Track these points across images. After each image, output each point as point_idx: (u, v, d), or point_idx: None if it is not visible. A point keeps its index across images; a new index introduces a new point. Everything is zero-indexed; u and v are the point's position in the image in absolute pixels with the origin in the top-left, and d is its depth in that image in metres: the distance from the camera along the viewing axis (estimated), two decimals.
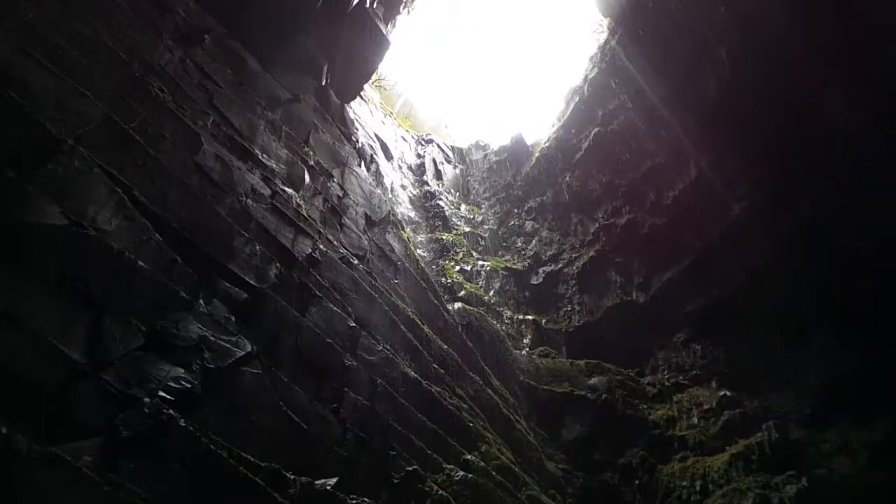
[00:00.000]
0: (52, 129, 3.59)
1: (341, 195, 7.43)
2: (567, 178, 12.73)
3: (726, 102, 8.83)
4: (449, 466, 5.57)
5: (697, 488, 7.60)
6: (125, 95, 4.56)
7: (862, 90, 7.50)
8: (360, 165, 8.84)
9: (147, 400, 3.25)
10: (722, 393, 8.71)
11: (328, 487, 4.03)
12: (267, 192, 5.61)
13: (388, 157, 12.00)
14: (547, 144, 13.87)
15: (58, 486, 2.63)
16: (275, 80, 7.54)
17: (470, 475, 5.66)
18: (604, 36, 11.65)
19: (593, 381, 9.34)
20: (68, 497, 2.64)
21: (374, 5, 9.61)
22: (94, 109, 4.09)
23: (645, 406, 9.11)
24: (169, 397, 3.41)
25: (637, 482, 8.03)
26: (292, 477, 3.90)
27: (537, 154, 14.28)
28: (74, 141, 3.69)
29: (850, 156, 7.71)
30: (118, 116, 4.27)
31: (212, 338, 3.95)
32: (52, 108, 3.77)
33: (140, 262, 3.66)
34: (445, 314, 8.30)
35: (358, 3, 8.99)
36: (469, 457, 5.98)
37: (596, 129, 11.89)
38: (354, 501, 4.11)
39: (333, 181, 7.44)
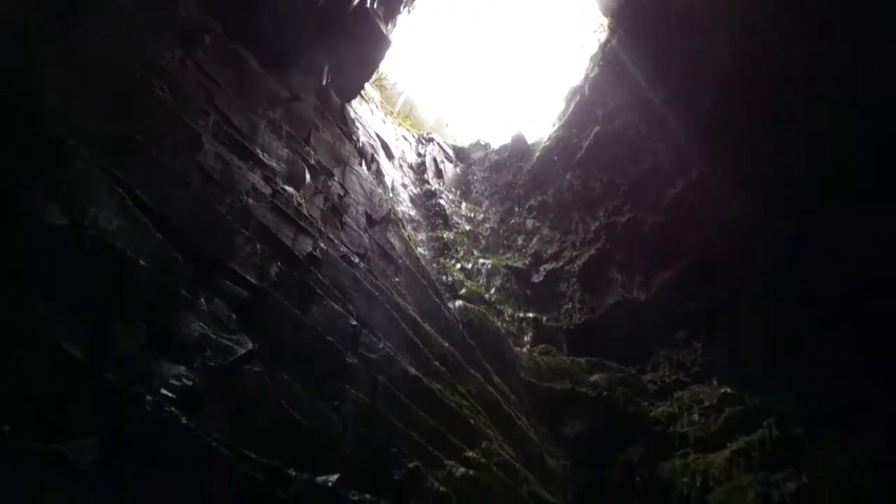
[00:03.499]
0: (53, 129, 3.61)
1: (342, 194, 7.45)
2: (568, 177, 12.73)
3: (727, 105, 8.85)
4: (450, 463, 5.59)
5: (698, 485, 7.61)
6: (126, 95, 4.58)
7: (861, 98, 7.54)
8: (360, 164, 8.87)
9: (149, 398, 3.27)
10: (723, 390, 8.72)
11: (329, 484, 4.06)
12: (268, 191, 5.64)
13: (389, 155, 12.02)
14: (548, 143, 13.88)
15: (61, 484, 2.66)
16: (275, 79, 7.56)
17: (471, 472, 5.68)
18: (604, 35, 11.67)
19: (594, 378, 9.36)
20: (71, 495, 2.67)
21: (375, 5, 9.63)
22: (95, 110, 4.11)
23: (646, 403, 9.12)
24: (170, 395, 3.44)
25: (638, 478, 8.05)
26: (293, 473, 3.92)
27: (538, 153, 14.28)
28: (76, 141, 3.72)
29: (852, 159, 7.75)
30: (120, 116, 4.30)
31: (213, 336, 3.97)
32: (54, 108, 3.79)
33: (141, 262, 3.69)
34: (446, 312, 8.32)
35: (358, 3, 9.00)
36: (470, 454, 6.00)
37: (597, 129, 11.90)
38: (356, 498, 4.14)
39: (334, 180, 7.46)
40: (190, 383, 3.63)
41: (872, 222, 7.68)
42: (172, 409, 3.35)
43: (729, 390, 8.68)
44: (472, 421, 6.53)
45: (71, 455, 2.73)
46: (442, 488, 5.12)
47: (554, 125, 13.84)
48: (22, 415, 2.70)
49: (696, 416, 8.66)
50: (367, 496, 4.25)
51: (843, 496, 6.77)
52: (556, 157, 13.38)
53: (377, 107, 13.77)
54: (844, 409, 7.61)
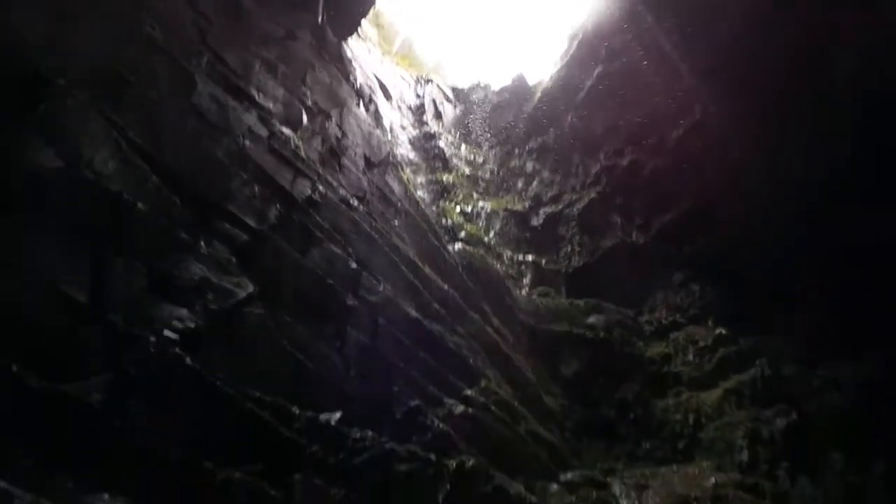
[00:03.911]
0: (43, 69, 3.52)
1: (340, 136, 7.35)
2: (569, 119, 12.54)
3: (739, 47, 8.61)
4: (450, 402, 5.73)
5: (691, 422, 7.84)
6: (116, 32, 4.45)
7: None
8: (358, 105, 8.71)
9: (152, 339, 3.32)
10: (718, 331, 8.87)
11: (332, 421, 4.17)
12: (264, 132, 5.56)
13: (388, 97, 11.79)
14: (549, 84, 13.60)
15: (69, 422, 2.73)
16: (269, 16, 7.33)
17: (470, 410, 5.83)
18: None
19: (592, 319, 9.49)
20: (79, 434, 2.74)
21: None
22: (86, 49, 4.00)
23: (642, 344, 9.29)
24: (174, 337, 3.49)
25: (632, 416, 8.28)
26: (297, 411, 4.03)
27: (539, 94, 14.01)
28: (67, 82, 3.63)
29: (861, 111, 7.63)
30: (111, 56, 4.19)
31: (213, 279, 4.00)
32: (44, 48, 3.68)
33: (139, 205, 3.67)
34: (446, 255, 8.35)
35: None
36: (469, 393, 6.15)
37: (600, 69, 11.63)
38: (358, 435, 4.26)
39: (332, 122, 7.34)
40: (192, 325, 3.68)
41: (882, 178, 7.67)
42: (176, 350, 3.40)
43: (724, 331, 8.82)
44: (471, 361, 6.65)
45: (77, 394, 2.79)
46: (441, 425, 5.26)
47: (556, 66, 13.52)
48: (27, 355, 2.74)
49: (690, 357, 8.83)
50: (369, 433, 4.37)
51: (832, 432, 6.99)
52: (557, 99, 13.13)
53: (375, 46, 13.41)
54: (836, 348, 7.77)
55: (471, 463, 4.77)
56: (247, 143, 5.23)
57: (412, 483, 4.33)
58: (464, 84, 17.54)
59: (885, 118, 7.50)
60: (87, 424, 2.78)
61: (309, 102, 6.98)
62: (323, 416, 4.17)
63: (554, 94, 13.29)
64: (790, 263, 8.57)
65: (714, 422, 7.64)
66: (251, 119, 5.51)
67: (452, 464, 4.62)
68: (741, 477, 6.62)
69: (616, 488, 6.48)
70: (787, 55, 8.15)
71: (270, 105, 6.10)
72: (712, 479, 6.51)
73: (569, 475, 6.61)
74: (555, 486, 6.18)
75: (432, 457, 4.62)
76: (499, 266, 10.08)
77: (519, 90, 15.53)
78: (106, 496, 2.63)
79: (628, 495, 6.29)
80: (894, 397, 7.02)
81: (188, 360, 3.44)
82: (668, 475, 6.88)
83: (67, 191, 3.31)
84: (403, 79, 14.24)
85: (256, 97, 5.90)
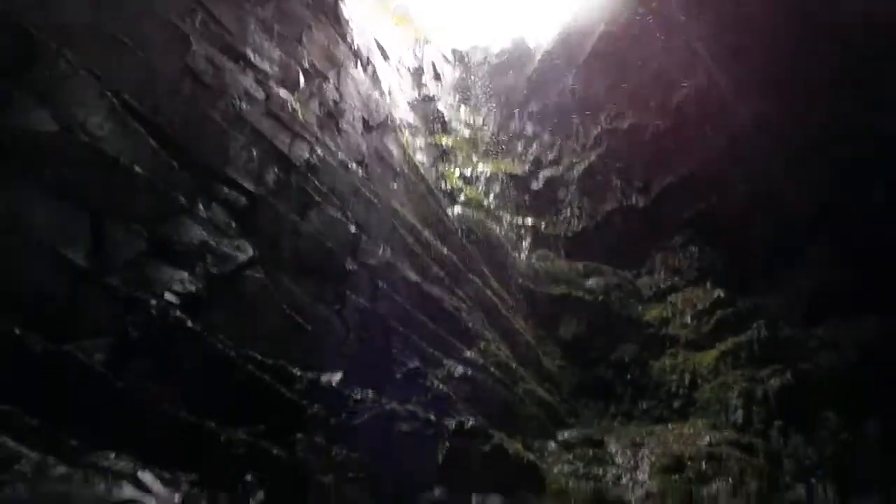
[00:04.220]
0: (34, 32, 3.45)
1: (338, 99, 7.25)
2: (570, 81, 12.36)
3: (746, 8, 8.45)
4: (449, 363, 5.81)
5: (686, 382, 7.95)
6: None
7: None
8: (356, 67, 8.57)
9: (153, 302, 3.35)
10: (716, 294, 8.91)
11: (333, 383, 4.24)
12: (261, 95, 5.49)
13: (386, 58, 11.59)
14: (550, 47, 13.37)
15: (73, 382, 2.77)
16: None
17: (469, 371, 5.92)
18: None
19: (590, 282, 9.53)
20: (83, 395, 2.79)
21: None
22: (77, 10, 3.92)
23: (640, 307, 9.35)
24: (174, 300, 3.52)
25: (629, 377, 8.39)
26: (299, 373, 4.09)
27: (540, 56, 13.79)
28: (58, 44, 3.56)
29: (868, 66, 7.52)
30: (102, 16, 4.10)
31: (213, 243, 4.01)
32: (34, 7, 3.61)
33: (136, 168, 3.65)
34: (445, 219, 8.35)
35: None
36: (469, 354, 6.23)
37: (602, 29, 11.41)
38: (358, 395, 4.33)
39: (329, 84, 7.24)
40: (193, 289, 3.71)
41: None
42: (177, 313, 3.44)
43: (722, 294, 8.87)
44: (470, 323, 6.72)
45: (81, 355, 2.83)
46: (441, 386, 5.35)
47: (557, 27, 13.27)
48: (29, 318, 2.76)
49: (688, 319, 8.90)
50: (370, 394, 4.45)
51: (826, 392, 7.09)
52: (558, 60, 12.92)
53: (372, 6, 13.12)
54: (834, 310, 7.82)
55: (470, 423, 4.88)
56: (244, 105, 5.17)
57: (412, 442, 4.43)
58: (463, 46, 17.22)
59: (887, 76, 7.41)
60: (91, 385, 2.83)
61: (306, 64, 6.87)
62: (324, 378, 4.24)
63: (555, 55, 13.08)
64: (792, 224, 8.58)
65: (709, 382, 7.75)
66: (247, 81, 5.44)
67: (452, 424, 4.73)
68: (735, 436, 6.74)
69: (612, 447, 6.62)
70: (794, 17, 8.00)
71: (267, 66, 6.01)
72: (706, 438, 6.64)
73: (566, 434, 6.75)
74: (552, 445, 6.32)
75: (432, 417, 4.71)
76: (498, 230, 10.08)
77: (519, 52, 15.27)
78: (111, 455, 2.70)
79: (624, 454, 6.43)
80: (892, 357, 7.11)
81: (189, 322, 3.48)
82: (663, 434, 7.01)
83: (64, 154, 3.29)
84: (402, 40, 13.98)
85: (252, 58, 5.80)
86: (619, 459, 6.31)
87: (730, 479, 5.87)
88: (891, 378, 6.99)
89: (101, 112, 3.61)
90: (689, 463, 6.14)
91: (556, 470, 5.70)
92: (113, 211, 3.43)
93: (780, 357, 7.57)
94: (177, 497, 2.77)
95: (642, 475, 6.00)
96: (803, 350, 7.65)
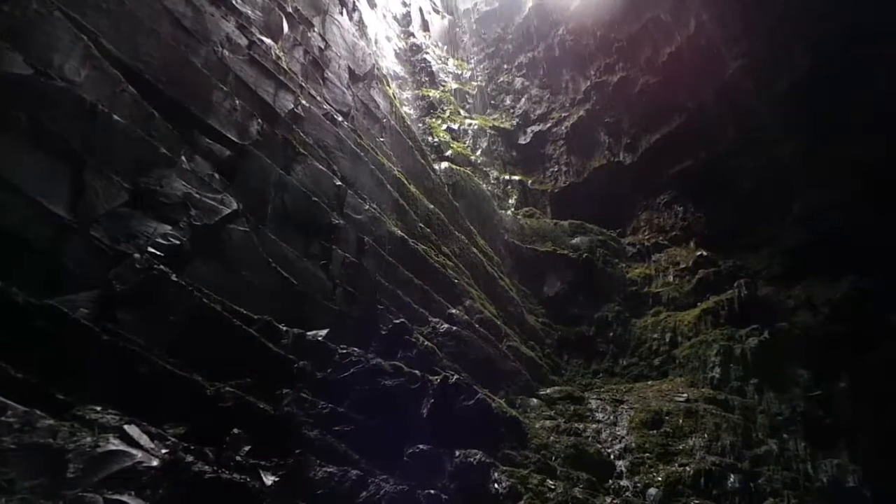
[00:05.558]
0: None
1: (323, 47, 7.03)
2: (560, 32, 12.12)
3: None
4: (434, 320, 5.84)
5: (667, 340, 8.11)
6: None
7: None
8: (341, 13, 8.28)
9: (137, 255, 3.28)
10: (699, 253, 9.02)
11: (319, 338, 4.23)
12: (244, 42, 5.28)
13: (372, 5, 11.22)
14: None
15: (58, 335, 2.72)
16: None
17: (454, 327, 5.95)
18: None
19: (576, 240, 9.57)
20: (68, 348, 2.74)
21: None
22: None
23: (624, 265, 9.44)
24: (158, 253, 3.46)
25: (611, 334, 8.54)
26: (285, 328, 4.07)
27: (530, 4, 13.45)
28: None
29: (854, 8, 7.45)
30: None
31: (196, 195, 3.92)
32: None
33: (115, 117, 3.52)
34: (432, 173, 8.26)
35: None
36: (454, 311, 6.25)
37: None
38: (344, 350, 4.34)
39: (314, 31, 6.99)
40: (177, 242, 3.63)
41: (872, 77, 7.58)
42: (162, 266, 3.37)
43: (705, 253, 8.98)
44: (456, 280, 6.73)
45: (64, 309, 2.77)
46: (426, 342, 5.38)
47: None
48: (10, 271, 2.69)
49: (671, 278, 9.02)
50: (356, 349, 4.46)
51: (800, 350, 7.29)
52: (548, 10, 12.63)
53: None
54: (814, 269, 7.96)
55: (454, 378, 4.91)
56: (226, 52, 4.97)
57: (397, 397, 4.46)
58: None
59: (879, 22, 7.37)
60: (76, 338, 2.78)
61: (289, 9, 6.62)
62: (310, 333, 4.23)
63: (546, 3, 12.77)
64: (778, 181, 8.63)
65: (689, 340, 7.91)
66: (229, 26, 5.22)
67: (436, 379, 4.76)
68: (712, 392, 6.93)
69: (593, 402, 6.77)
70: None
71: (249, 11, 5.77)
72: (684, 395, 6.82)
73: (548, 390, 6.88)
74: (534, 401, 6.44)
75: (417, 372, 4.74)
76: (485, 185, 10.01)
77: (509, 1, 14.88)
78: (98, 408, 2.68)
79: (604, 409, 6.59)
80: (866, 315, 7.30)
81: (174, 276, 3.42)
82: (643, 390, 7.19)
83: (40, 100, 3.15)
84: None
85: (234, 2, 5.56)
86: (599, 415, 6.47)
87: (706, 435, 6.05)
88: (861, 335, 7.21)
89: (77, 56, 3.45)
90: (666, 418, 6.32)
91: (538, 425, 5.82)
92: (93, 160, 3.32)
93: (759, 316, 7.74)
94: (163, 450, 2.77)
95: (621, 430, 6.16)
96: (782, 309, 7.83)
